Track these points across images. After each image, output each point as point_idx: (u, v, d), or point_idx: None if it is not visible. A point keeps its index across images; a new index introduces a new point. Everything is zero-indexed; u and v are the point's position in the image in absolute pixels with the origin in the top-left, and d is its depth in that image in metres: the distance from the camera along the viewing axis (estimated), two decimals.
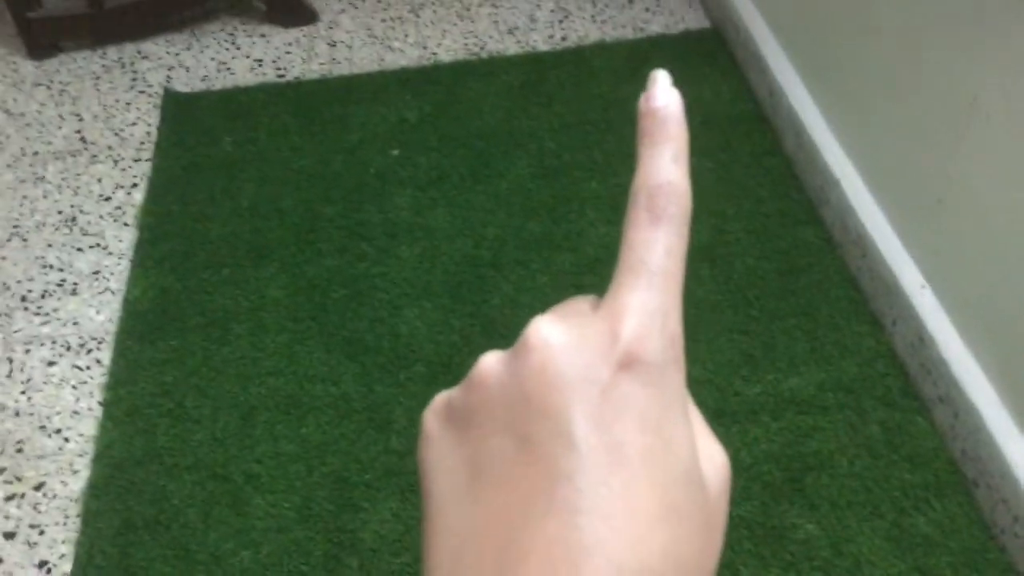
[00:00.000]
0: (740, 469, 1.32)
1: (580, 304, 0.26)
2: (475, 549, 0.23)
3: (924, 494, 1.29)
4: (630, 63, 2.05)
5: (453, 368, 1.47)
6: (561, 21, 2.18)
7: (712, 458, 0.25)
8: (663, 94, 0.27)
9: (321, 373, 1.47)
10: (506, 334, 1.52)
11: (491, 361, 0.25)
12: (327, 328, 1.55)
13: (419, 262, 1.65)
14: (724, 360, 1.45)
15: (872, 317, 1.50)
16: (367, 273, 1.63)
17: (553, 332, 0.24)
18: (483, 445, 0.24)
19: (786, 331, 1.50)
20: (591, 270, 1.61)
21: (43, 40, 2.17)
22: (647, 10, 2.20)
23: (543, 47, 2.12)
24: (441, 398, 0.27)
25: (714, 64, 2.03)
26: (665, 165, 0.26)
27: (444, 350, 1.51)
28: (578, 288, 1.58)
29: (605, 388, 0.23)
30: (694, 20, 2.16)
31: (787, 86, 1.78)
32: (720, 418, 1.37)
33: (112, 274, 1.64)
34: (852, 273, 1.56)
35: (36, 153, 1.92)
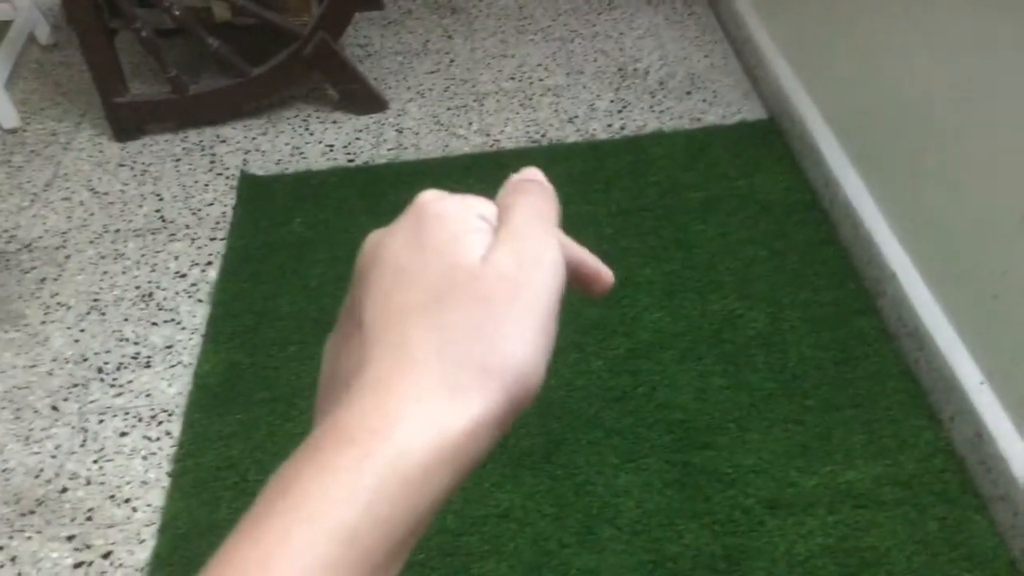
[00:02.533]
0: (795, 563, 1.32)
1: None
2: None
3: None
4: (687, 152, 2.10)
5: (508, 449, 1.50)
6: (620, 111, 2.25)
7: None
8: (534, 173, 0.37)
9: None
10: (560, 416, 1.54)
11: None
12: None
13: None
14: (779, 450, 1.45)
15: (930, 411, 1.49)
16: None
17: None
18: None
19: (843, 422, 1.49)
20: (646, 355, 1.64)
21: (129, 124, 2.31)
22: (704, 101, 2.26)
23: (602, 135, 2.18)
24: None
25: (770, 154, 2.07)
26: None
27: None
28: (632, 372, 1.60)
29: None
30: (750, 111, 2.21)
31: (842, 177, 1.81)
32: (775, 510, 1.37)
33: (185, 348, 1.71)
34: (909, 366, 1.56)
35: (118, 230, 2.02)
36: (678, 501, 1.39)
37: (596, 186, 2.04)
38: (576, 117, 2.25)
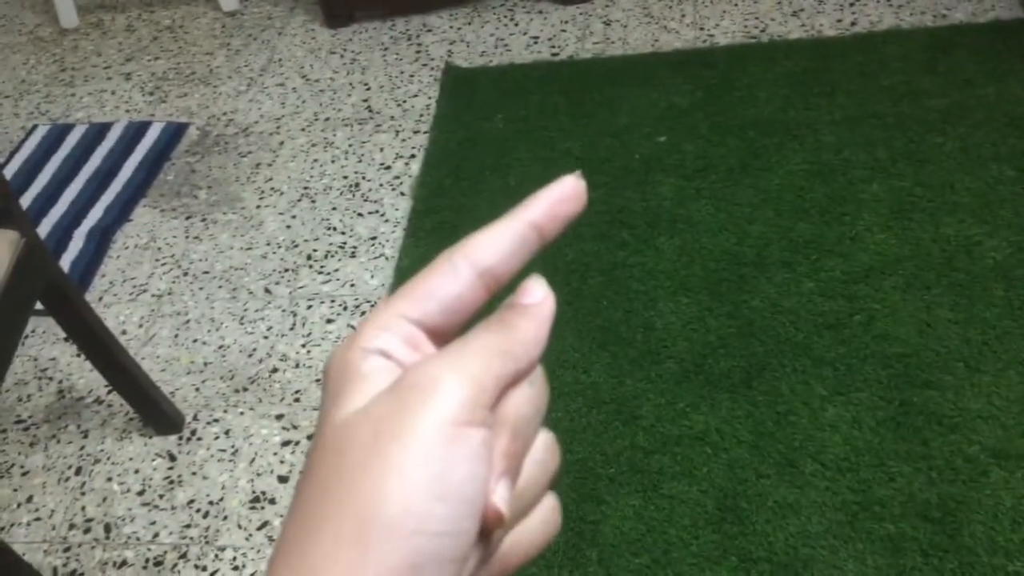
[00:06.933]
0: (1020, 520, 1.20)
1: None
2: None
3: None
4: (927, 53, 1.88)
5: (705, 369, 1.44)
6: (852, 4, 2.04)
7: None
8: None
9: (573, 359, 1.49)
10: (764, 339, 1.46)
11: None
12: (581, 314, 1.56)
13: (678, 255, 1.62)
14: (1013, 396, 1.31)
15: None
16: (625, 262, 1.63)
17: None
18: None
19: None
20: (863, 279, 1.51)
21: (340, 10, 2.32)
22: None
23: (830, 32, 1.99)
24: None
25: None
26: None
27: (698, 348, 1.47)
28: (848, 298, 1.48)
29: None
30: (1006, 9, 1.94)
31: None
32: (1002, 461, 1.25)
33: (387, 241, 1.74)
34: None
35: (327, 119, 2.06)
36: (891, 441, 1.29)
37: (819, 89, 1.87)
38: (802, 10, 2.06)
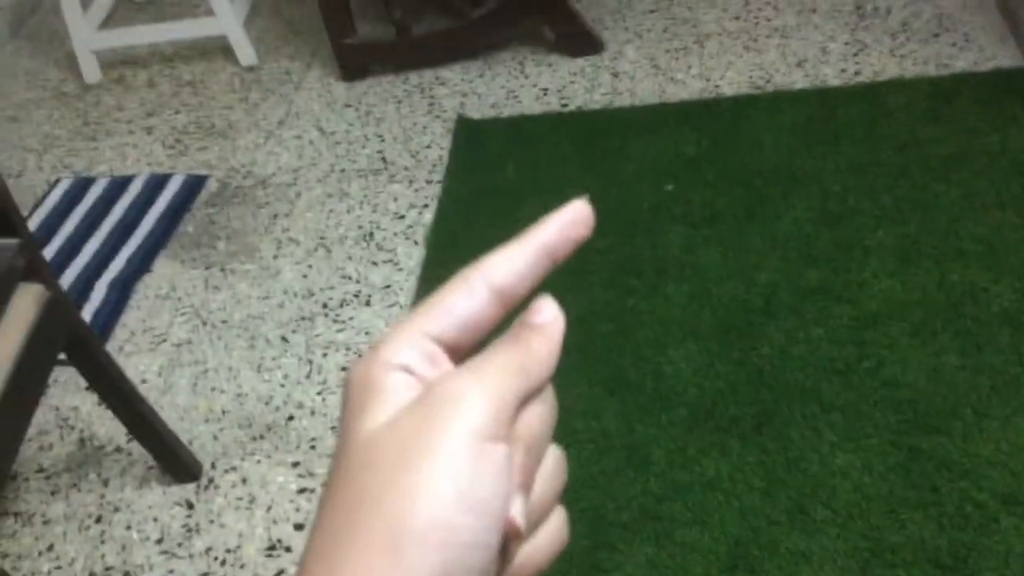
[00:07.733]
0: None
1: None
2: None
3: None
4: (930, 102, 1.92)
5: (715, 416, 1.45)
6: (856, 54, 2.08)
7: None
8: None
9: (583, 407, 1.51)
10: (773, 386, 1.48)
11: None
12: (591, 362, 1.58)
13: (687, 302, 1.65)
14: (1022, 442, 1.32)
15: None
16: (635, 309, 1.65)
17: None
18: None
19: None
20: (872, 326, 1.53)
21: (355, 64, 2.39)
22: (953, 44, 2.04)
23: (834, 81, 2.03)
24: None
25: None
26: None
27: (708, 395, 1.49)
28: (856, 344, 1.50)
29: None
30: (1007, 57, 1.98)
31: None
32: (1012, 507, 1.26)
33: (401, 289, 1.78)
34: None
35: (343, 170, 2.11)
36: (901, 488, 1.30)
37: (824, 138, 1.90)
38: (805, 61, 2.11)
